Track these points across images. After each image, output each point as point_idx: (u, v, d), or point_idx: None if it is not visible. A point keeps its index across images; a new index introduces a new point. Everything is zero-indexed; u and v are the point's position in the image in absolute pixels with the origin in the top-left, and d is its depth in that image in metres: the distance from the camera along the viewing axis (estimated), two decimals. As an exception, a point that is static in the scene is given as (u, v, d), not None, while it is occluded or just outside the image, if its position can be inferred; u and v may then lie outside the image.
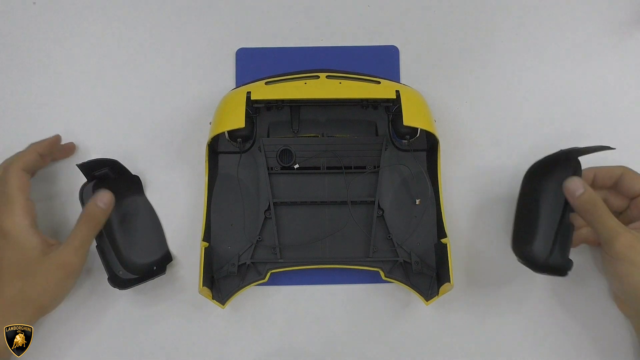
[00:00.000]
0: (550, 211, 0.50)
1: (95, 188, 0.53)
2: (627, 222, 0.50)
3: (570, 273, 0.49)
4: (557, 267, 0.49)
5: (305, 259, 0.54)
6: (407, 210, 0.55)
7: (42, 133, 0.57)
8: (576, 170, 0.49)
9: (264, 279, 0.53)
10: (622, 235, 0.46)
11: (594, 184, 0.52)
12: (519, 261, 0.51)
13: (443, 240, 0.52)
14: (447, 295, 0.52)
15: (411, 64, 0.60)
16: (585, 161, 0.50)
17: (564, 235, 0.50)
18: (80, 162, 0.51)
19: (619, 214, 0.53)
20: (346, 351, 0.54)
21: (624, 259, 0.46)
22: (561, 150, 0.49)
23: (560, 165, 0.50)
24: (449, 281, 0.50)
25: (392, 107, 0.54)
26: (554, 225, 0.50)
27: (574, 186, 0.48)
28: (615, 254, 0.46)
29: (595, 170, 0.51)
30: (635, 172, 0.51)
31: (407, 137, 0.54)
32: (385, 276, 0.54)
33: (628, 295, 0.48)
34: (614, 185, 0.52)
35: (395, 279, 0.54)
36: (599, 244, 0.50)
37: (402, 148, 0.56)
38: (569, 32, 0.61)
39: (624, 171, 0.51)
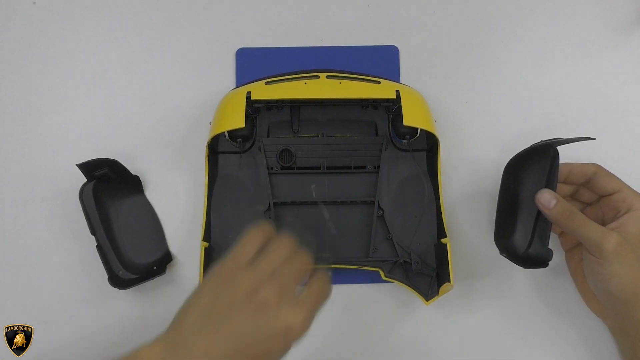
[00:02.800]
0: (529, 202, 0.50)
1: (95, 188, 0.53)
2: (595, 217, 0.51)
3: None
4: (537, 257, 0.49)
5: (305, 259, 0.54)
6: (407, 210, 0.55)
7: (42, 133, 0.57)
8: (554, 162, 0.49)
9: (264, 279, 0.53)
10: (611, 236, 0.46)
11: (568, 180, 0.52)
12: (502, 254, 0.51)
13: (443, 240, 0.52)
14: (447, 295, 0.52)
15: (411, 64, 0.60)
16: (563, 156, 0.50)
17: (542, 226, 0.50)
18: (80, 162, 0.51)
19: (587, 205, 0.54)
20: (346, 351, 0.54)
21: (614, 259, 0.46)
22: (541, 141, 0.49)
23: (539, 156, 0.50)
24: (449, 281, 0.50)
25: (392, 107, 0.54)
26: (532, 216, 0.50)
27: (546, 198, 0.48)
28: (606, 255, 0.46)
29: (571, 166, 0.51)
30: (607, 172, 0.51)
31: (407, 137, 0.54)
32: (385, 276, 0.54)
33: (612, 296, 0.48)
34: (586, 182, 0.52)
35: (395, 279, 0.54)
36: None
37: (402, 148, 0.56)
38: (569, 32, 0.61)
39: (597, 169, 0.51)
